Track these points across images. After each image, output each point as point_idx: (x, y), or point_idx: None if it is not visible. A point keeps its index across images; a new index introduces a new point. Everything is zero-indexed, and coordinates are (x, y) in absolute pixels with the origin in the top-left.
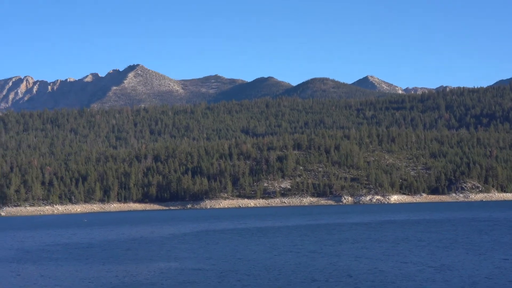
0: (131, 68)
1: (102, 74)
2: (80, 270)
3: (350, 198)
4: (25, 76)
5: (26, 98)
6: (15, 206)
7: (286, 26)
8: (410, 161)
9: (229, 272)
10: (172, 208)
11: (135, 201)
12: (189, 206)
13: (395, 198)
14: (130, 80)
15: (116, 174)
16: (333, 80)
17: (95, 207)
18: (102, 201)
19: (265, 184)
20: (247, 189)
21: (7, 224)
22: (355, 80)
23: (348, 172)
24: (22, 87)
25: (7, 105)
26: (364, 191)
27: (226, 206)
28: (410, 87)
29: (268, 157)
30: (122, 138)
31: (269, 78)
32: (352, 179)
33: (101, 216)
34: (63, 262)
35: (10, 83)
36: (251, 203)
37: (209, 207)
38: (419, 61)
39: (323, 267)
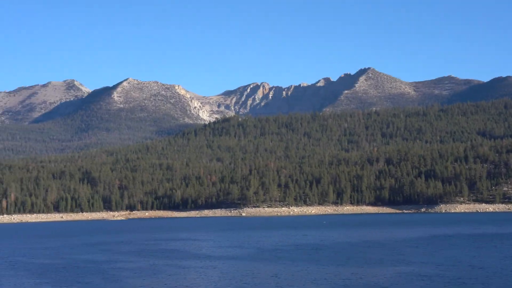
0: (363, 71)
1: (334, 78)
2: (310, 271)
3: None
4: (262, 83)
5: (262, 104)
6: (254, 207)
7: None
8: None
9: (457, 280)
10: (405, 211)
11: (367, 204)
12: (423, 210)
13: None
14: (361, 84)
15: (349, 177)
16: None
17: (329, 209)
18: (335, 203)
19: (505, 189)
20: (484, 194)
21: (247, 224)
22: None
23: None
24: (259, 93)
25: (245, 111)
26: None
27: (462, 211)
28: None
29: (508, 160)
30: (353, 141)
31: (508, 77)
32: None
33: (335, 218)
34: (295, 263)
35: (248, 90)
36: (489, 208)
37: (444, 211)
38: None
39: None
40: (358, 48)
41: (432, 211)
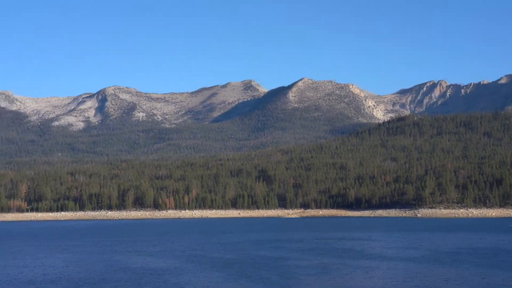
0: None
1: None
2: (486, 276)
3: None
4: (439, 81)
5: (439, 102)
6: (430, 208)
7: None
8: None
9: None
10: None
11: None
12: None
13: None
14: None
15: None
16: None
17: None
18: None
19: None
20: None
21: (422, 225)
22: None
23: None
24: (436, 92)
25: (421, 110)
26: None
27: None
28: None
29: None
30: None
31: None
32: None
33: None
34: (471, 267)
35: (425, 88)
36: None
37: None
38: None
39: None
40: None
41: None
